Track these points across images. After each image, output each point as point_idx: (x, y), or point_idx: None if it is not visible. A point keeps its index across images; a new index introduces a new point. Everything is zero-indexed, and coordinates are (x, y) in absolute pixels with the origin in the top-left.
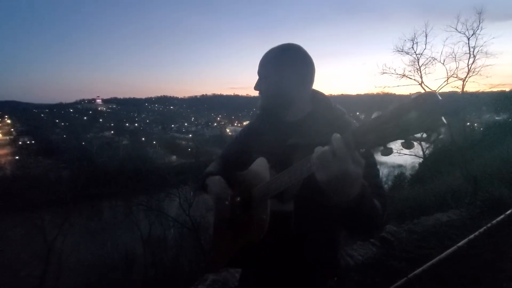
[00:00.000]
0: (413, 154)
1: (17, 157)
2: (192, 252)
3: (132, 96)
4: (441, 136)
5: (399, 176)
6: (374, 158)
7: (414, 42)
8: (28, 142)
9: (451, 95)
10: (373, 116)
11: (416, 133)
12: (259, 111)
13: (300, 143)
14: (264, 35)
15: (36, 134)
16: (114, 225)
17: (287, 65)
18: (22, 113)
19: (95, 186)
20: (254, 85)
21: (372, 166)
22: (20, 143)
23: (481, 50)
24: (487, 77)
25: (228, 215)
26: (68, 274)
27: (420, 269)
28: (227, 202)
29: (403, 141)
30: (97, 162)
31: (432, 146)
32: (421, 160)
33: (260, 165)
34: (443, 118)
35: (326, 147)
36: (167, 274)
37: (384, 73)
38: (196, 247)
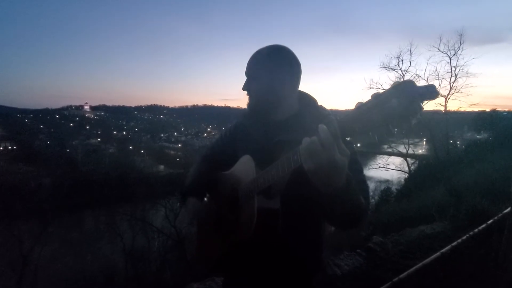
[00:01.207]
0: (399, 169)
1: None
2: (177, 264)
3: (121, 104)
4: (417, 122)
5: (386, 190)
6: (357, 155)
7: (400, 60)
8: (9, 147)
9: (428, 85)
10: (356, 106)
11: (398, 119)
12: (248, 110)
13: (286, 140)
14: (257, 48)
15: (18, 140)
16: (96, 236)
17: (276, 66)
18: (5, 118)
19: (78, 194)
20: (244, 94)
21: (355, 162)
22: (1, 148)
23: (462, 69)
24: (468, 95)
25: (212, 217)
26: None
27: (405, 273)
28: (205, 218)
29: (384, 128)
30: (82, 170)
31: (417, 162)
32: (406, 175)
33: (246, 163)
34: (421, 104)
35: (313, 137)
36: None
37: (371, 88)
38: (181, 259)
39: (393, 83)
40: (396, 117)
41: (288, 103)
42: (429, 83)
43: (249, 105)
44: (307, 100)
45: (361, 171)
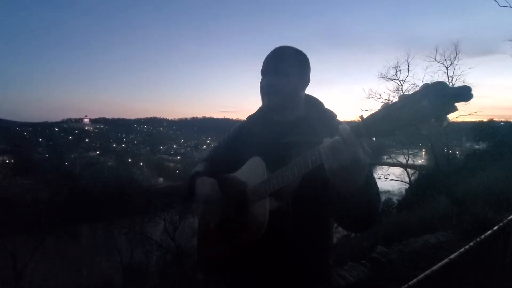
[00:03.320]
0: (399, 179)
1: None
2: (176, 278)
3: (121, 117)
4: (448, 123)
5: (387, 201)
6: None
7: (397, 70)
8: (7, 161)
9: (463, 86)
10: (382, 106)
11: (429, 119)
12: (265, 107)
13: (296, 141)
14: (255, 61)
15: (16, 153)
16: (93, 251)
17: (303, 65)
18: (4, 131)
19: (76, 208)
20: (242, 106)
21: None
22: None
23: (459, 79)
24: (466, 103)
25: (217, 217)
26: None
27: (415, 280)
28: (217, 206)
29: (414, 128)
30: (80, 183)
31: (417, 172)
32: (407, 185)
33: (255, 164)
34: (455, 105)
35: (336, 137)
36: None
37: (370, 97)
38: (180, 273)
39: (423, 84)
40: (427, 118)
41: (299, 104)
42: (464, 84)
43: (267, 101)
44: (314, 103)
45: (373, 173)
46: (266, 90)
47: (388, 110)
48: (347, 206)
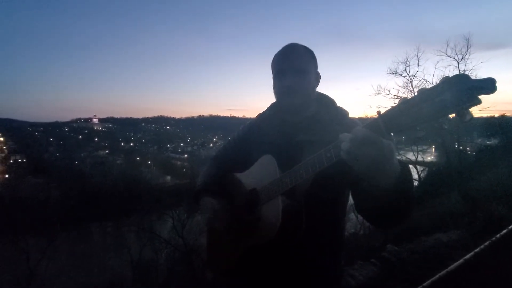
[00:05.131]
0: None
1: (6, 176)
2: (184, 276)
3: (129, 116)
4: (471, 117)
5: None
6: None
7: (407, 65)
8: (19, 160)
9: (487, 78)
10: (400, 101)
11: (451, 113)
12: (285, 107)
13: (308, 140)
14: (261, 59)
15: (28, 153)
16: (103, 249)
17: (315, 63)
18: (16, 131)
19: (86, 206)
20: (248, 104)
21: None
22: (11, 161)
23: (471, 73)
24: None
25: (225, 222)
26: None
27: (429, 281)
28: (219, 224)
29: (435, 123)
30: (89, 181)
31: (426, 169)
32: (416, 183)
33: (267, 163)
34: (479, 98)
35: (349, 134)
36: None
37: (378, 94)
38: (189, 270)
39: (443, 77)
40: (449, 112)
41: (311, 102)
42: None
43: (290, 101)
44: (326, 101)
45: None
46: (286, 90)
47: (406, 104)
48: (386, 201)
